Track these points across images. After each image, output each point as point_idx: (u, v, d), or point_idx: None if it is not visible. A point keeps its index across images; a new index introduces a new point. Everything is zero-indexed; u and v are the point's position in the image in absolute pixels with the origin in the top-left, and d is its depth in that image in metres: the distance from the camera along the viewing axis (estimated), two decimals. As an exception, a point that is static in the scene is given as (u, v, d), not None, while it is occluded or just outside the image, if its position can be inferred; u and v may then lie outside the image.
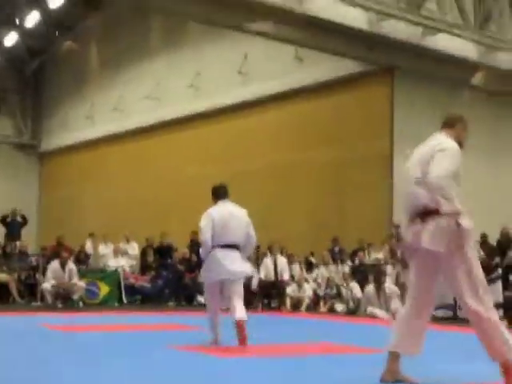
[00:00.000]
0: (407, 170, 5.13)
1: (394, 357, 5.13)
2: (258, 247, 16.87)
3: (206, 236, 7.67)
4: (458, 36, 17.21)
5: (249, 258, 9.20)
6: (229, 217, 7.74)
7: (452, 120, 5.26)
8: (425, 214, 4.91)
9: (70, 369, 5.84)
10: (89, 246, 18.90)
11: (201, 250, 7.99)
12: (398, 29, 16.54)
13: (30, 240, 21.01)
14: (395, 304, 12.22)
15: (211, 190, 8.05)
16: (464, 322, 11.46)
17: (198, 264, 15.92)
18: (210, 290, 7.88)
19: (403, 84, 17.98)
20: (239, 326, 7.47)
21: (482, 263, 5.14)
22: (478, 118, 18.45)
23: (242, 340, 7.48)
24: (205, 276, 7.92)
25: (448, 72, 17.77)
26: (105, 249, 17.45)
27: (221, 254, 7.65)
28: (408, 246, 5.08)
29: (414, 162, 5.09)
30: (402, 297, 12.71)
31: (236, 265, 7.69)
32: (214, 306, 7.82)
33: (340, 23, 15.74)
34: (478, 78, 18.55)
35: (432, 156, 4.87)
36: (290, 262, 15.72)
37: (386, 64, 17.89)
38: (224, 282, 7.75)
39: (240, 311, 7.54)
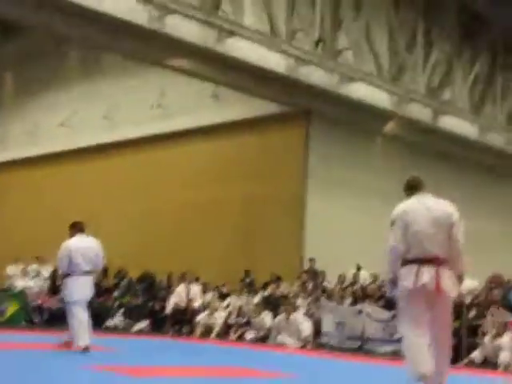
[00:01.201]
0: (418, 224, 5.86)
1: None
2: (169, 274, 16.80)
3: (63, 264, 9.36)
4: (373, 85, 17.70)
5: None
6: (86, 247, 9.48)
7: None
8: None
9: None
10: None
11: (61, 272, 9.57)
12: (315, 75, 16.87)
13: None
14: (305, 332, 12.60)
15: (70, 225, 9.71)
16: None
17: (107, 289, 16.24)
18: (82, 306, 9.38)
19: (319, 128, 18.37)
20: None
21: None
22: (389, 165, 19.02)
23: None
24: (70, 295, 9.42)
25: (362, 119, 18.24)
26: (14, 269, 17.05)
27: (82, 279, 9.33)
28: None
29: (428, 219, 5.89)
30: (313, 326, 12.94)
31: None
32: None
33: (259, 66, 15.91)
34: (390, 127, 19.07)
35: (451, 224, 5.86)
36: (204, 291, 15.88)
37: (302, 107, 18.17)
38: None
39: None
